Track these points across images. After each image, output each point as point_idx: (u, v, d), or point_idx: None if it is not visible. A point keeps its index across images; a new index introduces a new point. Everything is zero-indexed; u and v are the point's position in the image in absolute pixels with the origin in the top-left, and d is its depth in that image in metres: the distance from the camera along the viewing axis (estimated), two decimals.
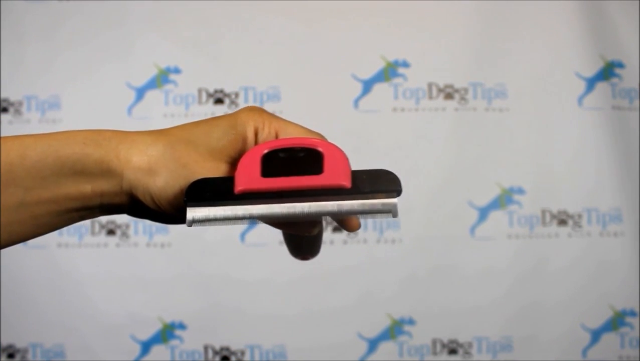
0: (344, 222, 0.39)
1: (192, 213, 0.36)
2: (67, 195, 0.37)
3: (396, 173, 0.36)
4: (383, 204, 0.35)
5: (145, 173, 0.37)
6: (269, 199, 0.36)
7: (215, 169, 0.38)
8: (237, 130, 0.38)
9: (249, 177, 0.36)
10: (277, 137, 0.39)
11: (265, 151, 0.37)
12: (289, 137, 0.39)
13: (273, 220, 0.37)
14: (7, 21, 1.28)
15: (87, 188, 0.37)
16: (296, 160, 0.36)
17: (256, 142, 0.39)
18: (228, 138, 0.38)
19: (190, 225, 0.36)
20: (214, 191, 0.36)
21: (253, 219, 0.36)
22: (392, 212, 0.35)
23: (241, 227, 1.26)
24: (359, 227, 0.39)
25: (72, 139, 0.37)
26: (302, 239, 0.44)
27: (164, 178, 0.37)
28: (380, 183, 0.36)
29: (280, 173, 0.36)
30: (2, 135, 0.37)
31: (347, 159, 0.36)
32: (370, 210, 0.35)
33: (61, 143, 0.36)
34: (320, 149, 0.37)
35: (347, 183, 0.36)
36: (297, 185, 0.35)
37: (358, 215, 0.36)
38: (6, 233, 0.36)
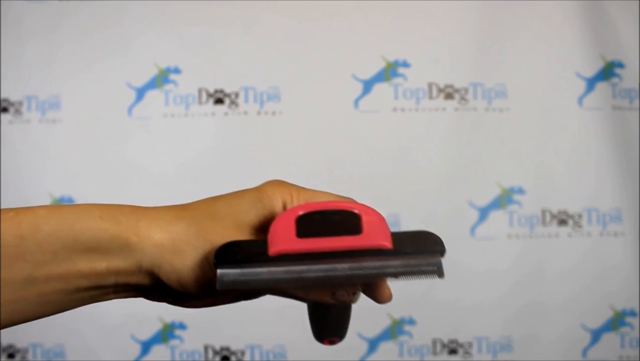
0: (376, 291, 0.37)
1: (223, 277, 0.33)
2: (79, 273, 0.34)
3: (438, 235, 0.34)
4: (428, 263, 0.34)
5: (168, 251, 0.34)
6: (306, 261, 0.33)
7: None
8: (264, 203, 0.36)
9: (283, 238, 0.33)
10: None
11: (301, 213, 0.34)
12: None
13: (311, 283, 0.34)
14: (7, 21, 1.28)
15: (101, 265, 0.34)
16: (332, 222, 0.34)
17: None
18: (255, 211, 0.36)
19: (220, 288, 0.33)
20: (246, 253, 0.33)
21: (290, 282, 0.33)
22: (438, 272, 0.34)
23: None
24: (390, 298, 0.37)
25: (88, 213, 0.35)
26: (330, 316, 0.42)
27: (190, 257, 0.34)
28: (422, 244, 0.34)
29: (317, 234, 0.33)
30: (4, 208, 0.34)
31: (384, 221, 0.35)
32: (416, 271, 0.34)
33: (76, 217, 0.34)
34: (357, 211, 0.35)
35: (388, 243, 0.34)
36: (336, 246, 0.33)
37: (400, 277, 0.34)
38: (8, 311, 0.34)
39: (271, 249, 0.33)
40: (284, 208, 0.37)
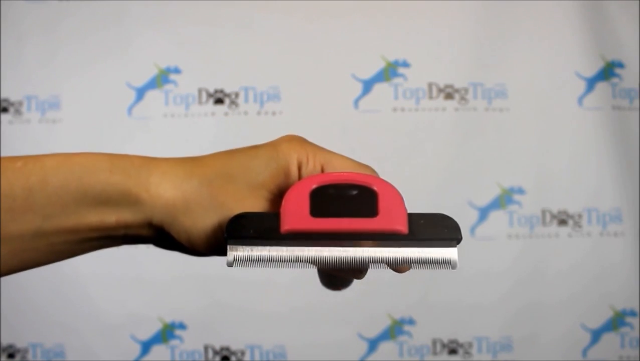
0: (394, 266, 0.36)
1: (233, 252, 0.33)
2: (89, 225, 0.34)
3: (455, 219, 0.34)
4: (442, 256, 0.33)
5: (179, 211, 0.34)
6: (318, 241, 0.33)
7: (256, 207, 0.35)
8: (278, 163, 0.35)
9: (296, 215, 0.33)
10: (322, 170, 0.36)
11: (314, 186, 0.34)
12: (337, 171, 0.36)
13: (321, 265, 0.34)
14: (7, 21, 1.28)
15: (111, 219, 0.34)
16: (348, 199, 0.33)
17: (300, 177, 0.36)
18: (269, 171, 0.35)
19: (230, 266, 0.33)
20: (257, 228, 0.33)
21: (300, 263, 0.33)
22: (451, 264, 0.33)
23: None
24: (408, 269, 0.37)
25: (98, 165, 0.34)
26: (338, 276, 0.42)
27: (201, 217, 0.34)
28: (438, 230, 0.33)
29: (331, 213, 0.33)
30: (12, 155, 0.34)
31: (402, 200, 0.34)
32: (428, 262, 0.33)
33: (85, 170, 0.34)
34: (374, 188, 0.34)
35: (403, 228, 0.33)
36: (349, 228, 0.33)
37: (413, 266, 0.34)
38: (19, 260, 0.34)
39: (283, 227, 0.33)
40: (299, 168, 0.36)
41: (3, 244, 0.33)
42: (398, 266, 0.34)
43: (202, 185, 0.34)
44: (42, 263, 0.35)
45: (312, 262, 0.33)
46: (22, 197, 0.33)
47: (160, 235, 0.35)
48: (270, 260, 0.33)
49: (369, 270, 0.36)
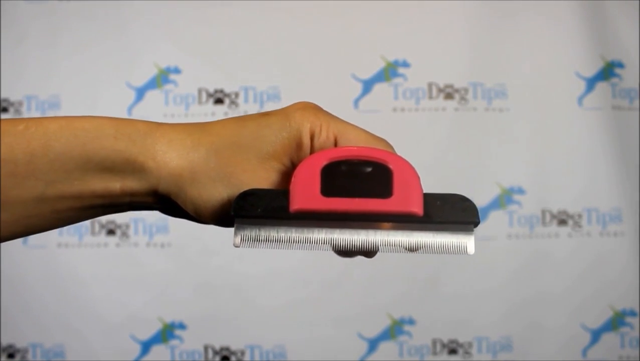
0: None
1: (241, 232, 0.31)
2: (93, 192, 0.33)
3: (472, 200, 0.32)
4: (459, 241, 0.31)
5: (186, 181, 0.33)
6: (329, 222, 0.31)
7: (265, 179, 0.33)
8: (290, 132, 0.34)
9: (306, 193, 0.31)
10: (336, 143, 0.34)
11: (326, 163, 0.32)
12: (351, 144, 0.34)
13: (331, 247, 0.33)
14: (8, 21, 1.28)
15: (115, 186, 0.33)
16: (361, 176, 0.32)
17: (312, 148, 0.34)
18: (280, 141, 0.33)
19: (237, 246, 0.32)
20: (266, 207, 0.31)
21: (309, 244, 0.32)
22: (467, 251, 0.32)
23: None
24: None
25: (102, 130, 0.33)
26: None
27: (208, 189, 0.33)
28: (455, 212, 0.31)
29: (343, 192, 0.31)
30: (15, 118, 0.34)
31: (418, 178, 0.32)
32: (443, 247, 0.32)
33: (89, 135, 0.33)
34: (390, 166, 0.32)
35: (418, 210, 0.31)
36: (362, 209, 0.31)
37: (427, 251, 0.32)
38: (23, 225, 0.33)
39: (292, 206, 0.31)
40: (312, 139, 0.34)
41: (5, 210, 0.32)
42: (412, 249, 0.33)
43: (209, 154, 0.33)
44: (46, 228, 0.35)
45: (322, 243, 0.32)
46: (24, 161, 0.32)
47: (166, 204, 0.35)
48: (278, 241, 0.32)
49: (380, 253, 0.35)
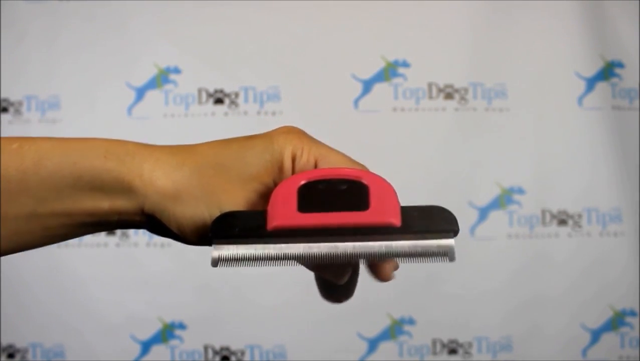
0: (378, 269, 0.35)
1: (219, 251, 0.32)
2: (83, 210, 0.34)
3: (451, 211, 0.32)
4: (439, 246, 0.31)
5: (170, 199, 0.34)
6: (307, 237, 0.31)
7: (246, 200, 0.34)
8: (272, 155, 0.35)
9: (283, 211, 0.32)
10: (316, 166, 0.35)
11: (303, 182, 0.32)
12: (330, 166, 0.34)
13: (310, 262, 0.33)
14: (8, 21, 1.28)
15: (104, 205, 0.34)
16: (338, 194, 0.32)
17: (293, 170, 0.35)
18: (263, 163, 0.35)
19: (215, 265, 0.32)
20: (243, 227, 0.32)
21: (287, 260, 0.32)
22: (448, 255, 0.31)
23: None
24: (391, 278, 0.35)
25: (92, 151, 0.34)
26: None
27: (190, 207, 0.34)
28: (433, 221, 0.32)
29: (320, 208, 0.31)
30: (10, 136, 0.35)
31: (395, 193, 0.32)
32: (424, 253, 0.31)
33: (80, 155, 0.34)
34: (365, 182, 0.32)
35: (396, 221, 0.31)
36: (339, 223, 0.31)
37: (406, 259, 0.32)
38: (14, 242, 0.34)
39: (270, 223, 0.32)
40: (293, 161, 0.35)
41: None
42: (389, 259, 0.33)
43: (193, 174, 0.34)
44: (37, 245, 0.35)
45: (301, 258, 0.32)
46: (16, 179, 0.33)
47: (153, 222, 0.35)
48: (256, 259, 0.32)
49: (361, 268, 0.35)
